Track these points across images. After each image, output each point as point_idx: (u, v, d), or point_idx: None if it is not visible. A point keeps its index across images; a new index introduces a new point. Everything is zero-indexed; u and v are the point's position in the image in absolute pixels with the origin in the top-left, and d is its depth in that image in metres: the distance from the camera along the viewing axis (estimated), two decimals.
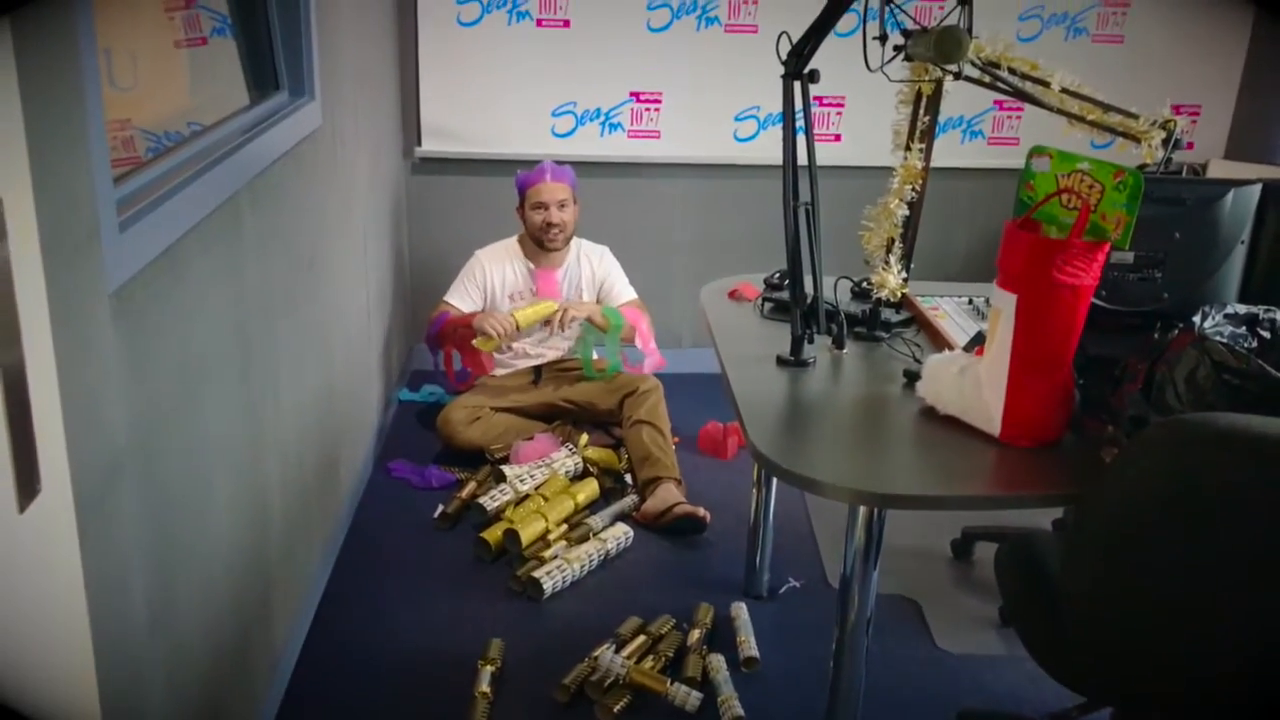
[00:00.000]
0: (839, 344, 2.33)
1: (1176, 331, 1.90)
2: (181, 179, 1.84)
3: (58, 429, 1.28)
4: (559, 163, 3.66)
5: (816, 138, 2.19)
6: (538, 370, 3.74)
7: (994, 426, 1.95)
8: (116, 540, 1.55)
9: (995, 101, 4.13)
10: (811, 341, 2.28)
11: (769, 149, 4.15)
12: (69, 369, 1.34)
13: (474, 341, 3.47)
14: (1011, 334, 1.90)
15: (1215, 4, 4.11)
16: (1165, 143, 2.27)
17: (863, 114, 4.10)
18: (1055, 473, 1.88)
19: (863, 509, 1.94)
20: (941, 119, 2.37)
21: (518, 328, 3.48)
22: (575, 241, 3.73)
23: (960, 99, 2.38)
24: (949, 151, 4.02)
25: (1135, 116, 2.27)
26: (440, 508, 3.25)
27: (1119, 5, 4.08)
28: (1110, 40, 4.12)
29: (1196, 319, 1.87)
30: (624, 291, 3.76)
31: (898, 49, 2.00)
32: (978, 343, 2.15)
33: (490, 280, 3.66)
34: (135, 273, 1.60)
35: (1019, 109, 4.16)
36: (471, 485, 3.33)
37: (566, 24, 4.02)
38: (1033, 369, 1.90)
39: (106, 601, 1.48)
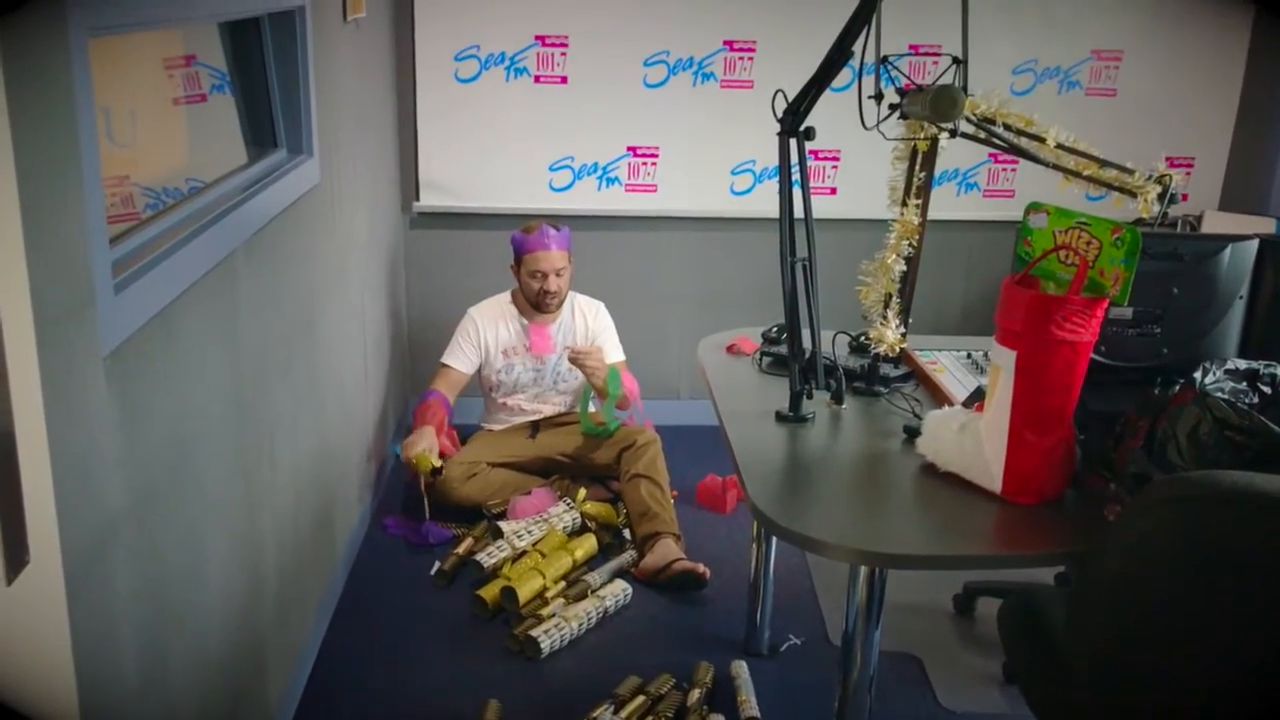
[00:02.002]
0: (838, 399, 2.32)
1: (1177, 387, 1.89)
2: (178, 239, 1.84)
3: (48, 498, 1.26)
4: (555, 220, 3.65)
5: (812, 191, 2.19)
6: (535, 425, 3.72)
7: (995, 484, 1.93)
8: (107, 606, 1.53)
9: (990, 154, 4.16)
10: (810, 397, 2.27)
11: (765, 202, 4.16)
12: (61, 435, 1.33)
13: (409, 458, 3.43)
14: (1012, 390, 1.89)
15: (1207, 56, 4.15)
16: (1161, 197, 2.28)
17: (858, 167, 4.13)
18: (1058, 531, 1.86)
19: (864, 568, 1.92)
20: (936, 172, 2.38)
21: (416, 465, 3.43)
22: (570, 295, 3.73)
23: (955, 152, 2.39)
24: (944, 204, 4.04)
25: (1131, 171, 2.28)
26: (437, 564, 3.22)
27: (1111, 59, 4.12)
28: (1103, 93, 4.15)
29: (1197, 375, 1.86)
30: (613, 352, 3.75)
31: (893, 107, 2.01)
32: (978, 399, 2.13)
33: (484, 337, 3.66)
34: (130, 335, 1.59)
35: (1014, 162, 4.17)
36: (468, 542, 3.30)
37: (564, 80, 4.05)
38: (1033, 425, 1.89)
39: (95, 668, 1.46)
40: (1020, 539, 1.87)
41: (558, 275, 3.58)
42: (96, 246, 1.48)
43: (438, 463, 3.39)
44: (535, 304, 3.63)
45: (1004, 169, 4.21)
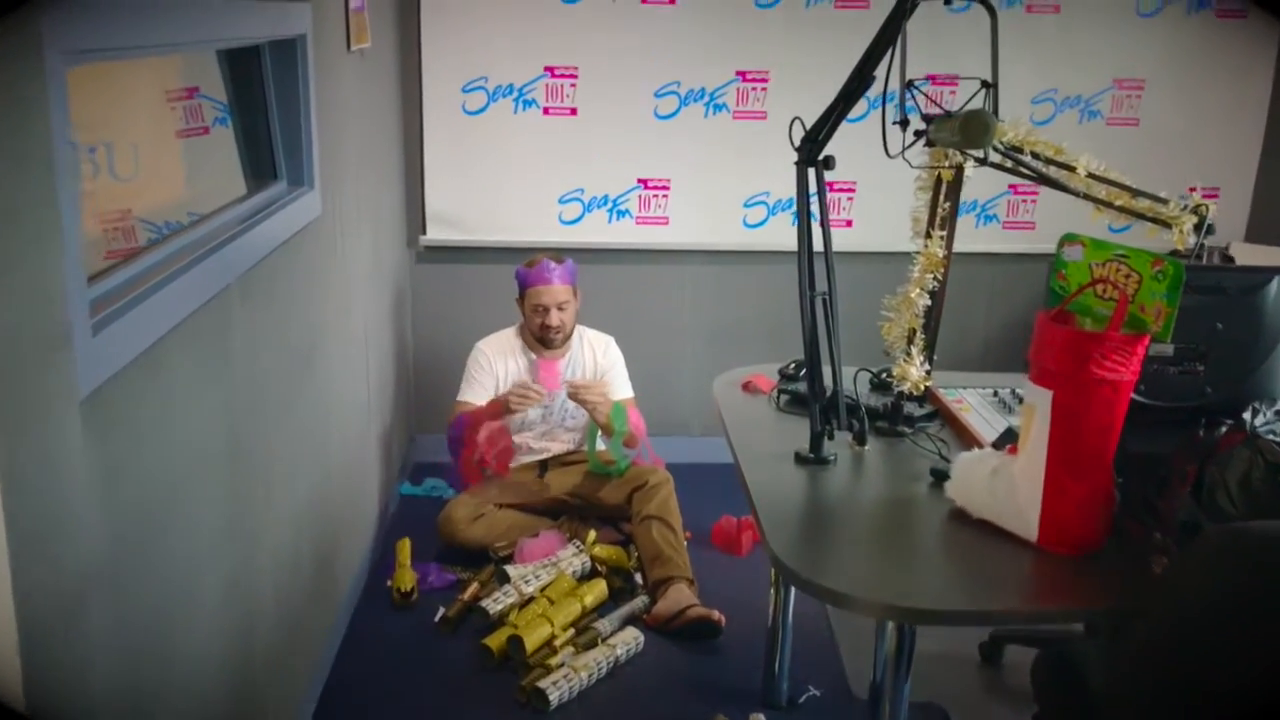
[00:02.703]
0: (860, 440, 2.21)
1: (1225, 429, 1.78)
2: (165, 275, 1.74)
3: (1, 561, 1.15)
4: (560, 255, 3.56)
5: (830, 225, 2.09)
6: (543, 463, 3.61)
7: (1031, 532, 1.82)
8: (80, 663, 1.42)
9: (1010, 185, 4.06)
10: (831, 438, 2.16)
11: (779, 235, 4.07)
12: (27, 485, 1.23)
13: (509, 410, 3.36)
14: (1047, 432, 1.78)
15: (1231, 83, 4.05)
16: (1198, 228, 2.17)
17: (874, 199, 4.03)
18: (1099, 583, 1.75)
19: (892, 623, 1.80)
20: None
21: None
22: (579, 330, 3.63)
23: (974, 183, 2.29)
24: (964, 236, 3.87)
25: (1165, 201, 2.18)
26: (441, 611, 3.11)
27: (1133, 88, 4.03)
28: (1125, 123, 4.05)
29: (1246, 416, 1.75)
30: (621, 388, 3.64)
31: (918, 134, 1.92)
32: (1009, 440, 2.02)
33: (495, 369, 3.56)
34: (110, 376, 1.49)
35: (1034, 193, 4.09)
36: (474, 586, 3.18)
37: (573, 112, 3.97)
38: (1071, 470, 1.78)
39: None
40: (1059, 592, 1.76)
41: (560, 309, 3.49)
42: (73, 285, 1.39)
43: (409, 585, 3.18)
44: (539, 338, 3.53)
45: (1024, 200, 4.12)
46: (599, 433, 3.51)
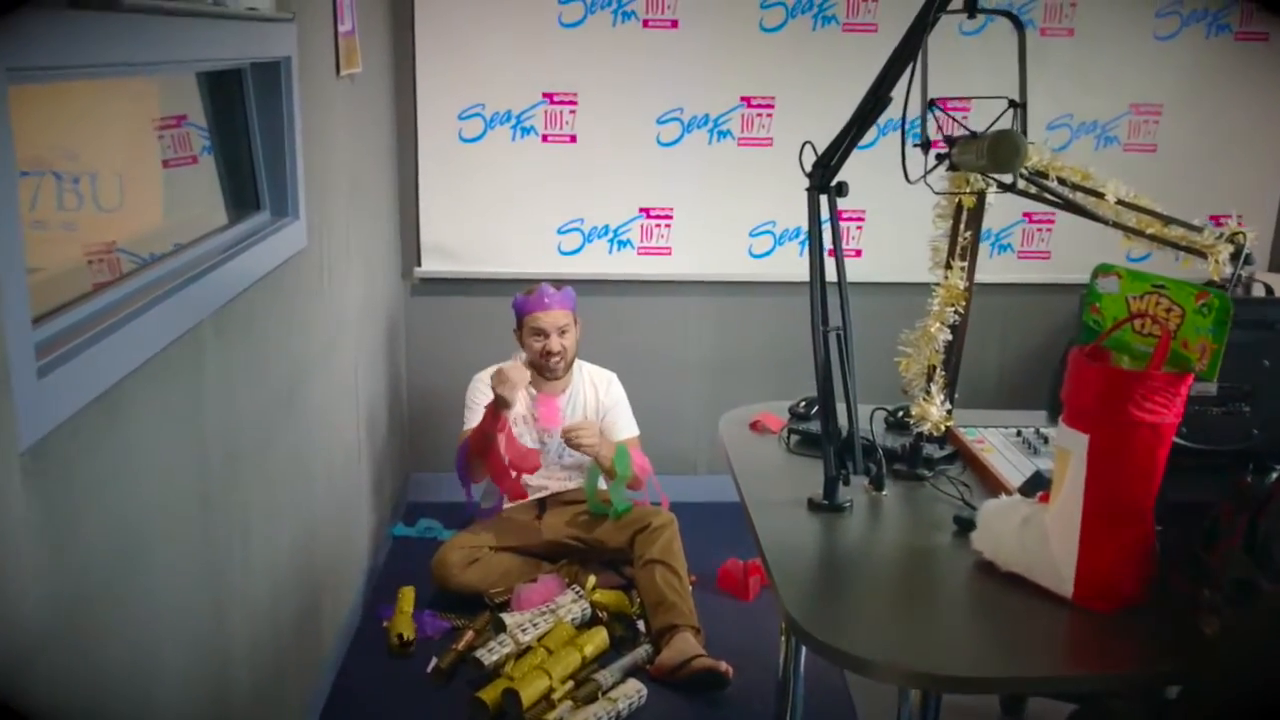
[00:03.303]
0: (878, 485, 2.07)
1: (1276, 475, 1.64)
2: (127, 312, 1.61)
3: None
4: (559, 283, 3.44)
5: (844, 255, 1.96)
6: (541, 503, 3.47)
7: (1065, 587, 1.67)
8: None
9: (1024, 213, 3.94)
10: (847, 483, 2.02)
11: (786, 265, 3.95)
12: None
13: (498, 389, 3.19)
14: (1084, 479, 1.64)
15: (1252, 108, 3.93)
16: (1234, 257, 2.04)
17: (884, 227, 3.90)
18: (1143, 645, 1.60)
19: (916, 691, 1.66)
20: None
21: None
22: (579, 365, 3.49)
23: (987, 210, 2.16)
24: (978, 266, 3.80)
25: (1199, 229, 2.04)
26: (434, 661, 2.95)
27: (1150, 113, 3.90)
28: (1142, 149, 3.93)
29: None
30: (627, 427, 3.50)
31: (940, 157, 1.78)
32: (1039, 487, 1.88)
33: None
34: (58, 424, 1.36)
35: (1049, 221, 3.96)
36: (469, 635, 3.03)
37: (573, 139, 3.85)
38: (1109, 520, 1.64)
39: None
40: (1100, 655, 1.61)
41: (560, 334, 3.36)
42: (14, 326, 1.26)
43: (410, 634, 3.06)
44: (539, 367, 3.39)
45: (1039, 229, 3.99)
46: (599, 474, 3.36)
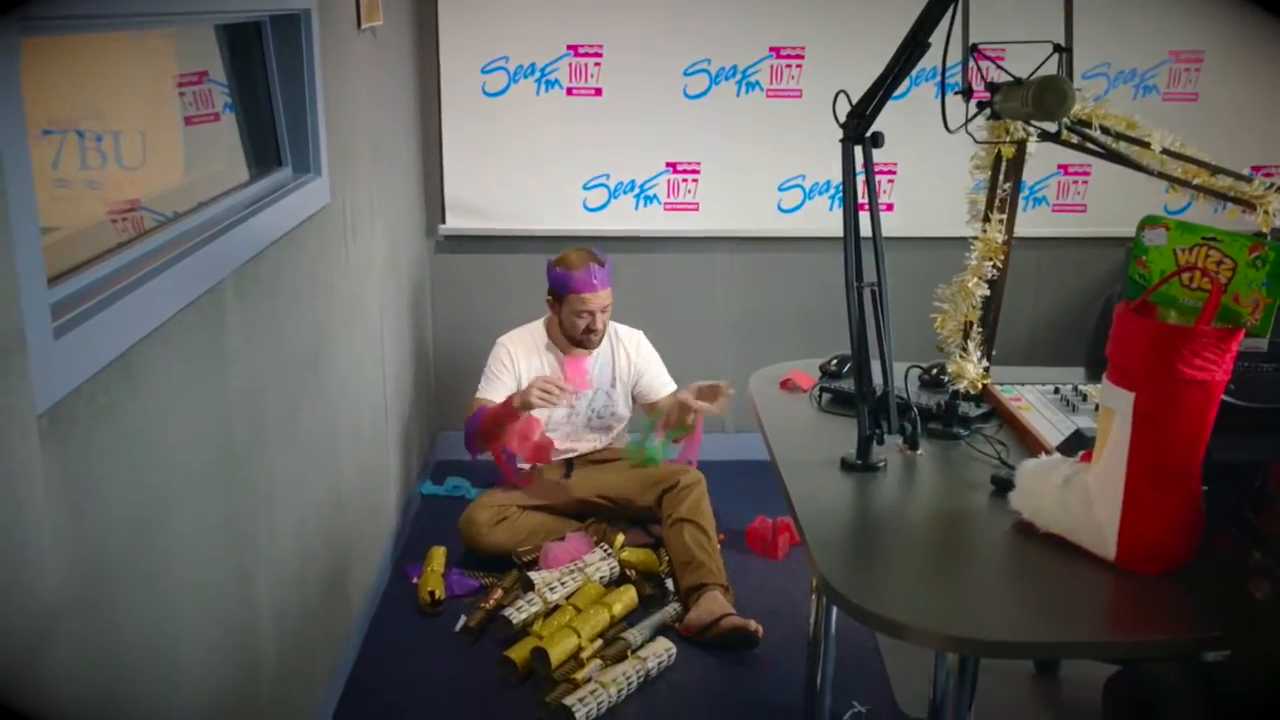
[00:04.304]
0: (913, 444, 2.02)
1: None
2: (145, 271, 1.58)
3: None
4: (592, 251, 3.32)
5: (879, 209, 1.90)
6: (569, 463, 3.44)
7: (1108, 549, 1.63)
8: (45, 707, 1.26)
9: (1060, 165, 3.84)
10: (881, 442, 1.97)
11: (815, 220, 3.87)
12: None
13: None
14: (1128, 439, 1.59)
15: None
16: None
17: (917, 181, 3.82)
18: (1189, 609, 1.56)
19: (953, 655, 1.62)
20: None
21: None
22: (609, 326, 3.43)
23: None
24: None
25: (1248, 179, 1.97)
26: (462, 619, 2.94)
27: (1192, 60, 3.79)
28: (1183, 98, 3.82)
29: None
30: (667, 383, 3.47)
31: (980, 105, 1.72)
32: (1079, 446, 1.83)
33: (518, 367, 3.36)
34: (75, 387, 1.33)
35: (1085, 173, 3.86)
36: (497, 593, 3.02)
37: (598, 93, 3.78)
38: (1155, 481, 1.59)
39: None
40: (1144, 620, 1.57)
41: (604, 312, 3.31)
42: (28, 286, 1.23)
43: (441, 592, 3.05)
44: (578, 341, 3.34)
45: (1074, 181, 3.89)
46: (653, 428, 3.27)
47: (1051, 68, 1.73)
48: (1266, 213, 1.98)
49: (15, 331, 1.20)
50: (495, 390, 3.32)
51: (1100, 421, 1.66)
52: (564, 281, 3.27)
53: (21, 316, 1.21)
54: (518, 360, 3.37)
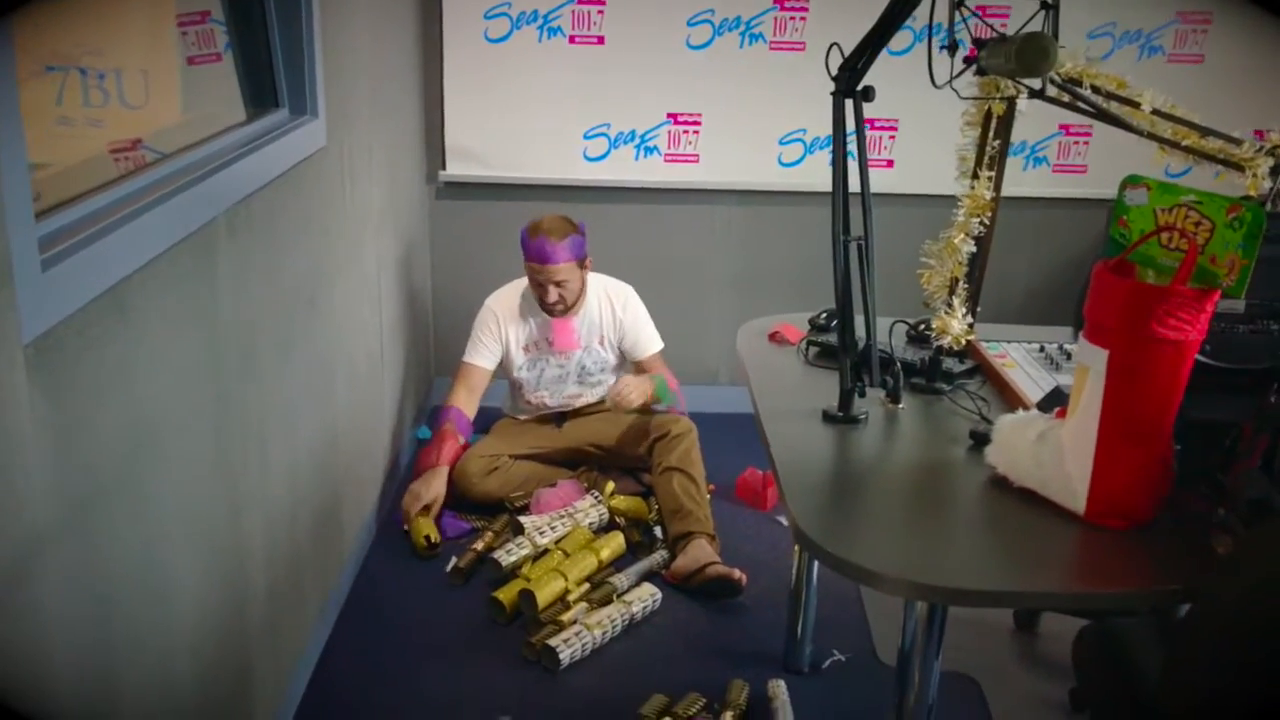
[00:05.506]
0: (894, 398, 2.05)
1: None
2: (135, 207, 1.60)
3: None
4: (570, 221, 3.27)
5: (868, 163, 1.91)
6: (561, 415, 3.47)
7: (1078, 503, 1.66)
8: (31, 634, 1.30)
9: (1061, 125, 3.83)
10: (863, 395, 2.00)
11: (815, 174, 3.87)
12: None
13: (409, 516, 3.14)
14: (1101, 396, 1.62)
15: None
16: (1275, 171, 1.97)
17: (917, 138, 3.81)
18: (1153, 563, 1.59)
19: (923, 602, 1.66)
20: None
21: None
22: (596, 280, 3.41)
23: (1023, 123, 2.10)
24: (1010, 179, 3.67)
25: (1238, 142, 1.98)
26: (453, 560, 2.99)
27: (1199, 21, 3.76)
28: (1189, 59, 3.80)
29: None
30: (650, 342, 3.45)
31: (967, 61, 1.72)
32: (1058, 403, 1.86)
33: (505, 332, 3.37)
34: (63, 318, 1.36)
35: (1086, 134, 3.85)
36: (487, 536, 3.06)
37: (601, 41, 3.77)
38: (1126, 437, 1.62)
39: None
40: (1108, 572, 1.60)
41: (558, 286, 3.25)
42: (16, 219, 1.25)
43: (436, 536, 3.07)
44: (545, 309, 3.35)
45: (1075, 142, 3.88)
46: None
47: (1040, 25, 1.73)
48: (1255, 175, 1.99)
49: (2, 264, 1.22)
50: (480, 356, 3.36)
51: (1075, 378, 1.68)
52: (523, 246, 3.26)
53: (9, 248, 1.23)
54: (505, 326, 3.37)
